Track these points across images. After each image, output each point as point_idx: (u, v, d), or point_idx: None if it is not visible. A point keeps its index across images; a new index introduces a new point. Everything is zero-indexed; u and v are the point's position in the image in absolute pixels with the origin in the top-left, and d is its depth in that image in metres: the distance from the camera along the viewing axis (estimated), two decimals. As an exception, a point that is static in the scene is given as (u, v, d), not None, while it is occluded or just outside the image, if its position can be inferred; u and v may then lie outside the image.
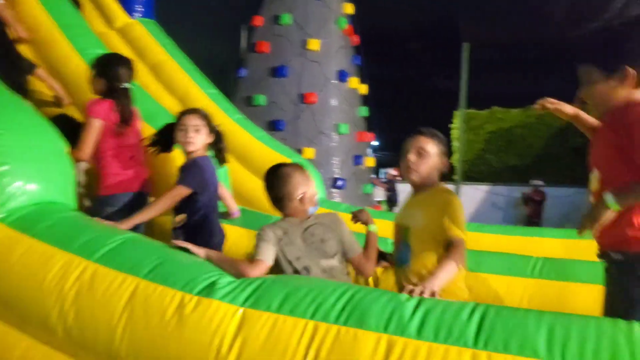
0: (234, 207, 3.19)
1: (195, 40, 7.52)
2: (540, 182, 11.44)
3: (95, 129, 2.64)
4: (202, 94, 4.85)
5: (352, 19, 8.97)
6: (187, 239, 2.34)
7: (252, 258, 1.84)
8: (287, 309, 1.45)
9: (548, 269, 2.53)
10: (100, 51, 3.67)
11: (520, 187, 12.60)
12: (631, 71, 1.69)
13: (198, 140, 2.58)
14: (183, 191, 2.46)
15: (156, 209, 2.40)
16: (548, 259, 2.54)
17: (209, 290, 1.55)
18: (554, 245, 3.28)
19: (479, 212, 12.16)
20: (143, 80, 4.32)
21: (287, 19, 8.37)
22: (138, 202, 2.76)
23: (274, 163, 4.40)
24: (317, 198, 2.11)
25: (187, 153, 2.61)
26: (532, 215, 11.14)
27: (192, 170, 2.52)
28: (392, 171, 12.00)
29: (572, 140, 12.56)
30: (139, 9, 5.16)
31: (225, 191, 2.98)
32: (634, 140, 1.61)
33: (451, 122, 14.26)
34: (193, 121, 2.59)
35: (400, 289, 2.29)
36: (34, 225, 1.83)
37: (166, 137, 2.73)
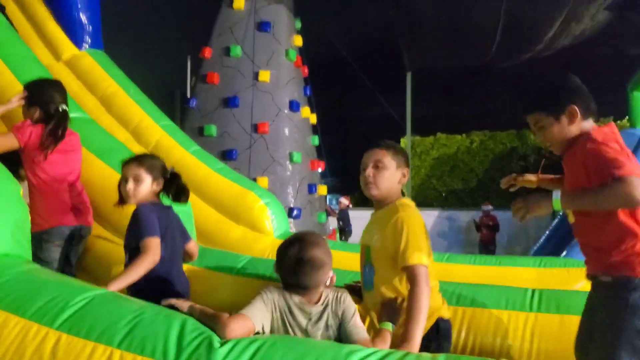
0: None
1: (141, 68, 7.34)
2: (489, 207, 11.48)
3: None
4: (155, 126, 4.71)
5: (301, 50, 9.11)
6: (142, 292, 2.14)
7: (237, 312, 1.59)
8: None
9: (547, 301, 2.42)
10: (19, 50, 3.51)
11: (468, 212, 13.03)
12: (575, 108, 1.85)
13: (140, 191, 2.31)
14: (156, 242, 2.16)
15: (139, 270, 2.07)
16: (544, 290, 2.50)
17: (198, 358, 1.36)
18: (530, 275, 3.34)
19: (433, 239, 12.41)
20: (94, 114, 4.15)
21: (237, 51, 8.38)
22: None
23: (234, 196, 4.39)
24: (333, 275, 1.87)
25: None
26: (486, 241, 11.05)
27: (143, 217, 2.20)
28: (344, 200, 12.03)
29: (515, 164, 13.23)
30: (87, 40, 4.99)
31: (194, 251, 2.65)
32: (588, 172, 1.74)
33: (398, 149, 14.61)
34: (133, 170, 2.31)
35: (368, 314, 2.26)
36: None
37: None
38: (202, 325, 1.51)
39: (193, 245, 2.59)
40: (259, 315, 1.62)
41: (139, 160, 2.37)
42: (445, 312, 2.10)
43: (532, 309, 2.38)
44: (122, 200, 2.41)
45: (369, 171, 2.04)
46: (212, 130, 8.13)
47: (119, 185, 2.40)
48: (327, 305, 1.77)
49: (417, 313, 1.80)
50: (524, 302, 2.42)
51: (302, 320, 1.72)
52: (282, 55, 8.52)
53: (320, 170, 9.23)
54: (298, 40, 8.92)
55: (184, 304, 1.71)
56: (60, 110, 2.81)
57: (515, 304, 2.42)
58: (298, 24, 9.09)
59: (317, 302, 1.76)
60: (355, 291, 2.28)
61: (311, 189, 8.43)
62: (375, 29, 11.75)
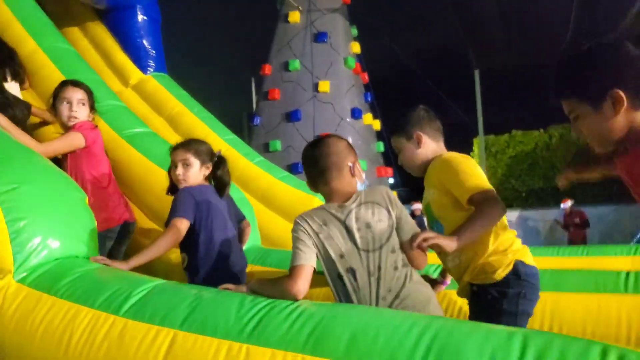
0: (243, 243, 2.85)
1: (207, 93, 7.60)
2: (567, 204, 10.65)
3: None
4: (220, 141, 4.78)
5: (360, 57, 9.05)
6: (198, 277, 2.22)
7: (291, 265, 1.53)
8: (356, 354, 1.21)
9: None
10: (90, 75, 3.68)
11: (550, 210, 12.18)
12: (620, 94, 1.33)
13: (190, 175, 2.32)
14: (181, 223, 2.15)
15: (157, 249, 2.07)
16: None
17: (258, 335, 1.34)
18: (624, 263, 2.95)
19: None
20: (162, 133, 4.27)
21: (295, 64, 8.48)
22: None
23: (299, 202, 4.33)
24: (364, 176, 1.77)
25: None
26: (576, 241, 10.19)
27: (182, 199, 2.21)
28: (418, 205, 11.59)
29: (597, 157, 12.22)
30: (151, 64, 5.20)
31: (246, 228, 2.72)
32: None
33: (471, 150, 14.07)
34: (181, 155, 2.34)
35: (442, 275, 2.14)
36: (56, 282, 1.69)
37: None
38: (261, 298, 1.49)
39: (245, 225, 2.68)
40: (308, 253, 1.55)
41: (186, 145, 2.38)
42: (528, 257, 1.87)
43: (628, 290, 2.12)
44: (173, 187, 2.42)
45: (399, 158, 2.05)
46: (277, 145, 8.23)
47: (169, 172, 2.41)
48: (365, 200, 1.64)
49: (475, 217, 1.65)
50: (617, 285, 2.19)
51: (338, 223, 1.60)
52: (341, 63, 8.51)
53: (389, 178, 9.03)
54: (356, 47, 8.88)
55: (242, 288, 1.67)
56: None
57: (606, 287, 2.19)
58: (355, 31, 9.05)
59: (347, 201, 1.64)
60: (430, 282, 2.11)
61: (381, 196, 8.24)
62: (438, 28, 11.46)
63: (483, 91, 12.09)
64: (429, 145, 1.98)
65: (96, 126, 2.85)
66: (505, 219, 1.87)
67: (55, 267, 1.76)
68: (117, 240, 2.76)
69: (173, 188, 2.41)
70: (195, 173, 2.34)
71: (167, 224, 2.20)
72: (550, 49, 10.38)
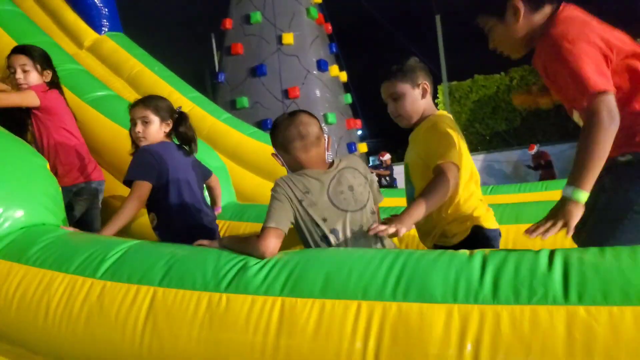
0: (218, 203, 2.81)
1: (166, 51, 7.34)
2: (534, 150, 11.19)
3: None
4: (184, 99, 4.68)
5: (322, 7, 8.85)
6: (169, 235, 2.19)
7: (263, 225, 1.54)
8: (332, 292, 1.27)
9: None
10: (42, 38, 3.56)
11: (513, 152, 12.56)
12: (518, 3, 1.62)
13: (149, 132, 2.25)
14: (142, 186, 2.12)
15: (126, 214, 2.06)
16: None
17: (236, 285, 1.37)
18: None
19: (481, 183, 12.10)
20: (124, 94, 4.15)
21: (257, 17, 8.23)
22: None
23: (269, 157, 4.35)
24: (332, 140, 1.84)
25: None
26: (547, 179, 10.86)
27: (139, 159, 2.17)
28: (387, 155, 11.71)
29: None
30: (105, 24, 4.97)
31: (215, 183, 2.68)
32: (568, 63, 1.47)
33: (436, 97, 14.21)
34: (140, 113, 2.26)
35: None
36: (25, 251, 1.66)
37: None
38: (236, 254, 1.51)
39: (214, 179, 2.63)
40: (283, 216, 1.56)
41: (145, 102, 2.30)
42: (489, 222, 1.93)
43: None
44: (136, 146, 2.35)
45: (391, 106, 1.97)
46: (244, 102, 8.10)
47: (130, 131, 2.35)
48: (345, 165, 1.71)
49: (427, 197, 1.65)
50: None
51: (320, 189, 1.64)
52: (304, 14, 8.30)
53: (358, 129, 9.05)
54: (317, -3, 8.67)
55: (214, 243, 1.70)
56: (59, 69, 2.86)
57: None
58: (315, -20, 8.81)
59: (329, 168, 1.70)
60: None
61: (350, 147, 8.28)
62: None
63: (444, 37, 12.08)
64: (428, 100, 1.95)
65: (51, 88, 2.74)
66: (472, 185, 1.90)
67: (22, 236, 1.73)
68: (89, 199, 2.72)
69: (137, 148, 2.33)
70: (155, 130, 2.27)
71: (126, 182, 2.17)
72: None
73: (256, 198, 4.02)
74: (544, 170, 10.89)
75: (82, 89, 3.30)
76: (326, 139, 1.74)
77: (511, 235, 2.33)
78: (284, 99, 8.16)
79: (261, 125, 7.61)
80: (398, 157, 12.88)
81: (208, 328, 1.32)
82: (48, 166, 2.04)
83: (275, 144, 1.74)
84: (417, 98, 1.93)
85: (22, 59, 2.71)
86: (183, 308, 1.37)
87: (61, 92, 2.80)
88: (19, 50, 2.78)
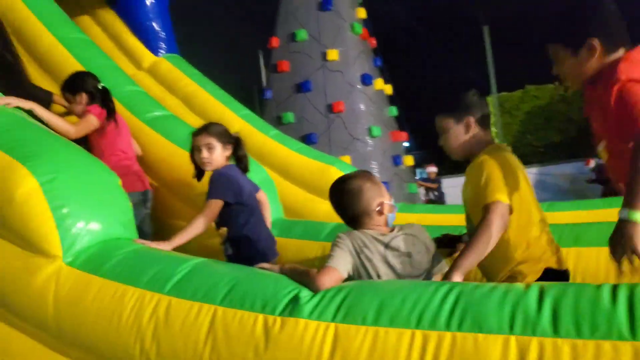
0: (268, 220, 2.95)
1: (216, 70, 7.66)
2: (592, 164, 10.51)
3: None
4: (235, 117, 4.88)
5: (367, 22, 8.96)
6: (234, 250, 2.47)
7: (323, 265, 1.63)
8: (386, 319, 1.28)
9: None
10: (105, 62, 3.89)
11: (570, 164, 12.09)
12: (596, 42, 1.64)
13: (214, 158, 2.51)
14: (216, 204, 2.38)
15: (196, 228, 2.30)
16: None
17: (292, 309, 1.44)
18: None
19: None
20: (178, 113, 4.39)
21: (302, 34, 8.44)
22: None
23: (315, 172, 4.44)
24: (393, 204, 1.87)
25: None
26: (610, 195, 10.04)
27: (217, 182, 2.43)
28: (432, 168, 11.46)
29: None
30: (162, 46, 5.29)
31: (264, 200, 2.86)
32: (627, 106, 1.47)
33: (484, 109, 13.94)
34: (204, 140, 2.50)
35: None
36: (102, 264, 1.81)
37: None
38: (294, 281, 1.60)
39: (262, 195, 2.80)
40: (343, 263, 1.65)
41: (207, 129, 2.55)
42: (560, 263, 1.90)
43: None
44: (200, 171, 2.59)
45: (440, 139, 2.04)
46: (290, 117, 8.29)
47: (192, 156, 2.57)
48: (403, 232, 1.78)
49: (472, 244, 1.68)
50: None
51: (380, 249, 1.71)
52: (348, 30, 8.43)
53: (404, 142, 9.04)
54: (362, 13, 8.77)
55: (275, 267, 1.80)
56: (101, 87, 3.15)
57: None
58: (360, -4, 8.95)
59: (391, 232, 1.78)
60: (444, 243, 2.21)
61: (396, 160, 8.28)
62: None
63: (493, 47, 11.89)
64: (477, 134, 1.96)
65: (103, 109, 3.06)
66: (542, 225, 1.89)
67: (100, 250, 1.87)
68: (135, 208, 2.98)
69: (200, 172, 2.60)
70: (219, 155, 2.51)
71: (206, 201, 2.40)
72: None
73: (303, 213, 4.13)
74: (607, 185, 10.18)
75: (140, 109, 3.54)
76: (381, 206, 1.80)
77: (571, 258, 2.22)
78: (328, 113, 8.28)
79: (305, 139, 7.76)
80: (446, 170, 12.70)
81: (263, 350, 1.39)
82: (120, 183, 2.22)
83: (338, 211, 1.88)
84: (460, 133, 1.96)
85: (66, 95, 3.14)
86: (241, 328, 1.46)
87: (107, 108, 3.08)
88: (66, 88, 3.16)
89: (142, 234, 2.75)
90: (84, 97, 3.09)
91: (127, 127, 3.26)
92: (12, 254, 1.89)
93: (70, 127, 2.83)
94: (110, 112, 3.05)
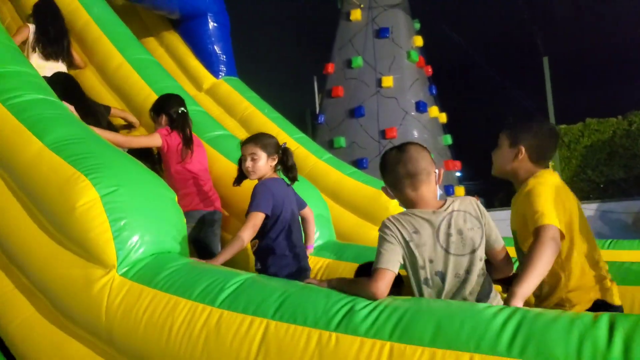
0: (311, 239, 2.93)
1: (271, 92, 7.83)
2: None
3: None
4: (290, 140, 4.93)
5: (423, 50, 8.93)
6: (262, 264, 2.49)
7: (373, 267, 1.57)
8: (443, 341, 1.24)
9: None
10: (169, 83, 4.04)
11: (635, 202, 11.39)
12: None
13: (258, 167, 2.54)
14: (257, 217, 2.38)
15: (240, 242, 2.30)
16: None
17: (346, 325, 1.40)
18: None
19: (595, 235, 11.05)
20: (235, 134, 4.48)
21: (358, 61, 8.52)
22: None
23: (367, 197, 4.38)
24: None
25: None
26: None
27: (258, 194, 2.45)
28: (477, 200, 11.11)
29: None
30: (222, 69, 5.45)
31: (310, 217, 2.84)
32: None
33: (541, 141, 13.47)
34: (250, 149, 2.55)
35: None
36: (155, 276, 1.83)
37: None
38: (345, 294, 1.55)
39: (308, 212, 2.81)
40: (393, 258, 1.57)
41: (254, 139, 2.59)
42: (614, 297, 1.81)
43: None
44: (240, 178, 2.66)
45: (494, 150, 2.07)
46: (341, 141, 8.32)
47: (239, 164, 2.64)
48: (457, 208, 1.65)
49: (527, 269, 1.58)
50: None
51: (429, 230, 1.61)
52: (404, 58, 8.44)
53: (457, 171, 8.85)
54: (418, 41, 8.77)
55: (323, 284, 1.75)
56: (180, 112, 3.26)
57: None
58: (417, 25, 8.94)
59: (440, 208, 1.65)
60: (503, 281, 2.09)
61: (448, 190, 8.09)
62: (501, 16, 11.06)
63: (553, 79, 11.54)
64: (525, 164, 1.94)
65: (173, 130, 3.19)
66: (596, 254, 1.84)
67: (153, 262, 1.90)
68: (198, 225, 3.07)
69: (239, 178, 2.67)
70: (263, 165, 2.54)
71: (247, 214, 2.41)
72: (625, 31, 9.73)
73: (353, 237, 4.06)
74: None
75: (201, 128, 3.64)
76: (437, 173, 1.72)
77: (637, 300, 2.12)
78: (380, 139, 8.24)
79: (357, 164, 7.74)
80: (502, 202, 12.26)
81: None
82: (177, 199, 2.26)
83: (385, 180, 1.75)
84: (509, 157, 1.95)
85: (151, 114, 3.33)
86: (294, 342, 1.43)
87: (182, 132, 3.17)
88: (152, 107, 3.34)
89: (207, 254, 2.80)
90: (163, 119, 3.25)
91: (203, 150, 3.37)
92: (71, 262, 1.95)
93: (124, 138, 3.06)
94: (184, 136, 3.17)
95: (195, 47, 5.42)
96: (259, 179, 2.54)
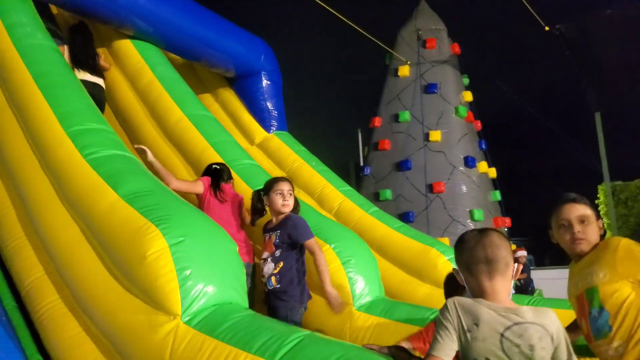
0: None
1: (319, 145, 8.01)
2: None
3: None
4: (336, 192, 4.97)
5: (472, 105, 8.95)
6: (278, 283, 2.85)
7: (428, 352, 1.50)
8: None
9: None
10: (224, 137, 4.33)
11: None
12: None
13: (290, 202, 2.98)
14: (316, 242, 2.89)
15: (321, 256, 2.81)
16: None
17: None
18: None
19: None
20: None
21: (405, 116, 8.62)
22: None
23: (415, 252, 4.29)
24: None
25: (280, 214, 2.99)
26: None
27: (302, 223, 2.91)
28: (522, 252, 10.51)
29: None
30: (274, 124, 5.65)
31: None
32: None
33: (596, 198, 12.93)
34: (287, 186, 2.97)
35: None
36: (217, 326, 1.87)
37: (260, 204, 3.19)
38: None
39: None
40: (449, 347, 1.48)
41: (288, 179, 3.09)
42: None
43: None
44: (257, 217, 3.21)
45: (577, 227, 1.97)
46: (388, 194, 8.30)
47: (273, 200, 3.01)
48: (533, 321, 1.48)
49: None
50: None
51: (494, 328, 1.46)
52: (452, 113, 8.48)
53: (506, 228, 8.59)
54: (468, 96, 8.82)
55: (383, 349, 1.74)
56: (215, 168, 3.57)
57: None
58: (466, 81, 9.02)
59: (512, 308, 1.49)
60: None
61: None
62: (551, 72, 10.98)
63: (608, 135, 11.20)
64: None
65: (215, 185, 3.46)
66: None
67: (215, 312, 1.95)
68: None
69: (257, 217, 3.22)
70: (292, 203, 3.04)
71: (305, 239, 2.85)
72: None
73: (401, 294, 3.97)
74: None
75: (254, 181, 3.74)
76: (515, 268, 1.67)
77: None
78: (427, 192, 8.17)
79: (403, 217, 7.65)
80: (552, 261, 11.72)
81: None
82: (237, 250, 2.31)
83: (458, 260, 1.64)
84: (596, 230, 1.99)
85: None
86: None
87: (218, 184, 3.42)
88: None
89: None
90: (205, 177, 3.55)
91: (240, 200, 3.50)
92: (137, 308, 2.03)
93: (173, 179, 3.33)
94: (217, 186, 3.41)
95: (248, 103, 5.68)
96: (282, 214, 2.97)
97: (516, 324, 1.47)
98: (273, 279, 2.85)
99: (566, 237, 1.97)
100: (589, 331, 1.92)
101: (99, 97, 4.46)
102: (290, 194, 2.95)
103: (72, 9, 4.57)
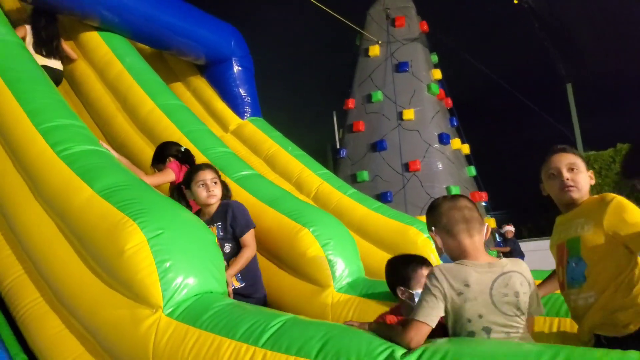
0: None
1: (294, 130, 8.02)
2: None
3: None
4: (314, 176, 5.00)
5: (443, 83, 9.03)
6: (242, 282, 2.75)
7: (411, 316, 1.55)
8: None
9: None
10: (197, 126, 4.30)
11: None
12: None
13: (217, 192, 2.82)
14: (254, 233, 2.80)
15: (250, 254, 2.69)
16: None
17: None
18: None
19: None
20: (261, 172, 4.58)
21: (378, 95, 8.66)
22: None
23: (394, 232, 4.36)
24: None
25: (208, 206, 2.82)
26: None
27: (244, 211, 2.82)
28: (509, 227, 10.84)
29: None
30: (247, 110, 5.63)
31: None
32: None
33: (569, 169, 13.24)
34: (210, 174, 2.80)
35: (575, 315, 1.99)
36: (199, 316, 1.89)
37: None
38: (385, 340, 1.57)
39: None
40: (433, 313, 1.54)
41: (211, 166, 2.92)
42: None
43: None
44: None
45: (567, 175, 1.95)
46: (365, 175, 8.38)
47: (197, 191, 2.82)
48: (514, 269, 1.61)
49: None
50: None
51: (483, 285, 1.56)
52: (424, 90, 8.56)
53: (483, 202, 8.77)
54: (437, 74, 8.89)
55: (364, 326, 1.80)
56: (183, 150, 3.50)
57: None
58: (435, 58, 9.09)
59: (493, 263, 1.62)
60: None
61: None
62: (521, 45, 11.12)
63: (579, 105, 11.45)
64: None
65: (182, 166, 3.40)
66: None
67: (196, 302, 1.97)
68: None
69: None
70: (219, 192, 2.88)
71: (242, 234, 2.74)
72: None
73: (381, 273, 4.04)
74: None
75: (230, 169, 3.75)
76: (486, 228, 1.72)
77: None
78: (404, 172, 8.26)
79: (381, 198, 7.74)
80: (530, 233, 12.00)
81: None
82: (216, 240, 2.33)
83: (435, 224, 1.72)
84: (587, 180, 1.96)
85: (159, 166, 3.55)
86: None
87: (191, 165, 3.33)
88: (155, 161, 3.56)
89: None
90: (172, 161, 3.44)
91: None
92: (119, 303, 2.04)
93: (146, 177, 3.16)
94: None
95: (221, 90, 5.64)
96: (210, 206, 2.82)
97: (501, 275, 1.59)
98: (234, 279, 2.69)
99: (556, 186, 1.96)
100: (564, 279, 1.95)
101: (61, 82, 4.48)
102: (215, 182, 2.75)
103: (34, 0, 4.45)
